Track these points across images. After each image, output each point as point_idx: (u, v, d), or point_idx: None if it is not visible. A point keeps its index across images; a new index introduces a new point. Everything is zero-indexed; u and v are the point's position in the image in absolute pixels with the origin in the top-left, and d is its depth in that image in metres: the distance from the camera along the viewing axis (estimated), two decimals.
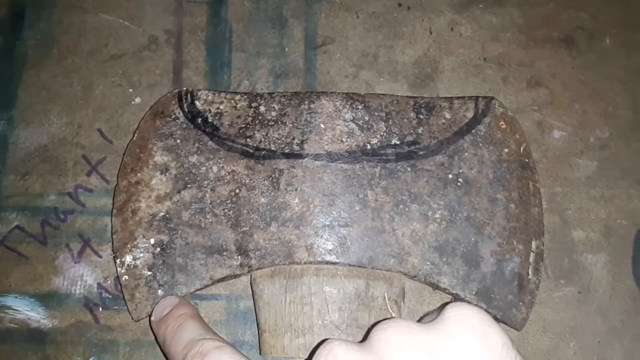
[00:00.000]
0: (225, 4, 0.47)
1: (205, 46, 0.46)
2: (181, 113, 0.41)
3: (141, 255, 0.39)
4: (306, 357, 0.37)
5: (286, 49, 0.46)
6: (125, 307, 0.39)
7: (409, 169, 0.40)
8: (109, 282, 0.42)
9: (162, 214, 0.40)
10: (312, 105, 0.41)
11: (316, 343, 0.37)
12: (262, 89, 0.45)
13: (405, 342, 0.24)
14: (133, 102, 0.45)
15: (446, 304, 0.27)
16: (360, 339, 0.37)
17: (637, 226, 0.43)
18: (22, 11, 0.46)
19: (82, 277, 0.42)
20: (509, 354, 0.24)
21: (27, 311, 0.41)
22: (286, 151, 0.40)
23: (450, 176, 0.40)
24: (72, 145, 0.44)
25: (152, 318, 0.37)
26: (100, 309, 0.41)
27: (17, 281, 0.41)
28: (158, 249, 0.39)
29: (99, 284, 0.42)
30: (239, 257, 0.39)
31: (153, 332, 0.37)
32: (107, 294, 0.41)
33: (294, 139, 0.41)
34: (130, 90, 0.45)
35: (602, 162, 0.44)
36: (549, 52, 0.46)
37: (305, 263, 0.39)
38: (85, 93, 0.45)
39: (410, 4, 0.47)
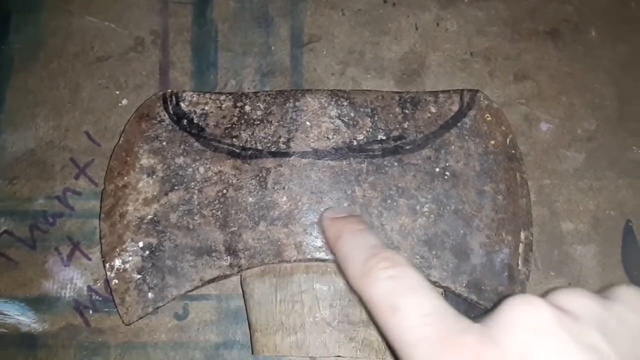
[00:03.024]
0: (211, 4, 0.47)
1: (191, 46, 0.46)
2: (166, 115, 0.41)
3: (130, 258, 0.39)
4: (299, 354, 0.37)
5: (272, 48, 0.46)
6: (116, 309, 0.39)
7: (395, 164, 0.40)
8: (98, 284, 0.42)
9: (150, 216, 0.40)
10: (297, 103, 0.41)
11: (308, 341, 0.37)
12: (248, 88, 0.45)
13: (596, 309, 0.23)
14: (120, 104, 0.45)
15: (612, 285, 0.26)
16: (352, 335, 0.37)
17: (625, 216, 0.43)
18: (7, 15, 0.46)
19: (72, 280, 0.42)
20: None
21: (18, 315, 0.41)
22: (273, 150, 0.40)
23: (437, 170, 0.40)
24: (60, 149, 0.44)
25: (328, 214, 0.36)
26: (91, 311, 0.41)
27: (6, 286, 0.41)
28: (147, 252, 0.39)
29: (89, 286, 0.42)
30: (229, 257, 0.39)
31: (322, 224, 0.36)
32: (97, 297, 0.41)
33: (280, 137, 0.41)
34: (117, 92, 0.45)
35: (590, 154, 0.44)
36: (534, 45, 0.46)
37: (294, 261, 0.39)
38: (72, 96, 0.45)
39: (395, 0, 0.47)
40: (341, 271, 0.31)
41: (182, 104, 0.42)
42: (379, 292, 0.26)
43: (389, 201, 0.40)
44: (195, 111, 0.42)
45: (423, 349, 0.23)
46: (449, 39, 0.47)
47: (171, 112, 0.42)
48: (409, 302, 0.25)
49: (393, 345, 0.24)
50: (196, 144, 0.41)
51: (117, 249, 0.39)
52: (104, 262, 0.39)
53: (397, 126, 0.41)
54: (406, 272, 0.27)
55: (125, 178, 0.40)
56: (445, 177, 0.40)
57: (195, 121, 0.41)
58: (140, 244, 0.39)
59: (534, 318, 0.21)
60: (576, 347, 0.20)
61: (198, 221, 0.39)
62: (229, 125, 0.41)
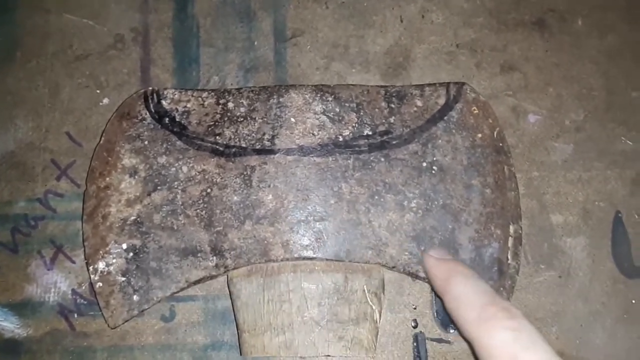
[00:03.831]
0: None
1: (172, 43, 0.45)
2: (148, 114, 0.41)
3: (114, 261, 0.38)
4: (287, 355, 0.37)
5: (255, 43, 0.45)
6: (101, 312, 0.39)
7: (382, 159, 0.40)
8: (83, 287, 0.41)
9: (133, 217, 0.39)
10: (281, 99, 0.41)
11: (296, 340, 0.37)
12: (232, 84, 0.44)
13: None
14: (101, 103, 0.44)
15: None
16: (341, 334, 0.37)
17: (615, 207, 0.43)
18: None
19: (55, 283, 0.41)
20: None
21: (1, 321, 0.40)
22: (257, 147, 0.39)
23: (425, 164, 0.40)
24: (40, 150, 0.43)
25: (433, 253, 0.37)
26: (76, 315, 0.41)
27: None
28: (131, 254, 0.38)
29: (73, 290, 0.41)
30: (214, 257, 0.38)
31: (427, 263, 0.37)
32: (82, 300, 0.41)
33: (264, 134, 0.40)
34: (98, 91, 0.44)
35: (578, 145, 0.44)
36: (521, 36, 0.46)
37: (282, 260, 0.38)
38: (51, 96, 0.44)
39: None
40: (451, 312, 0.32)
41: (163, 102, 0.41)
42: (499, 341, 0.28)
43: (376, 197, 0.39)
44: (177, 109, 0.41)
45: None
46: (435, 31, 0.46)
47: (152, 110, 0.41)
48: (531, 356, 0.26)
49: None
50: (179, 142, 0.40)
51: (101, 252, 0.39)
52: (87, 264, 0.39)
53: (383, 121, 0.41)
54: (526, 325, 0.29)
55: (107, 179, 0.39)
56: (433, 171, 0.40)
57: (177, 119, 0.40)
58: (124, 246, 0.39)
59: None
60: None
61: (182, 221, 0.39)
62: (212, 123, 0.40)
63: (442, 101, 0.41)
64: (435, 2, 0.46)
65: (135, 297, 0.38)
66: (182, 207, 0.39)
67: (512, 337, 0.28)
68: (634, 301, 0.42)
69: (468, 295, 0.32)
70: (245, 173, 0.39)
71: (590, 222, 0.43)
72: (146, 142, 0.40)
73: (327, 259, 0.38)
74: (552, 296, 0.42)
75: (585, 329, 0.41)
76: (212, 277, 0.39)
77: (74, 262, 0.41)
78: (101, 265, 0.38)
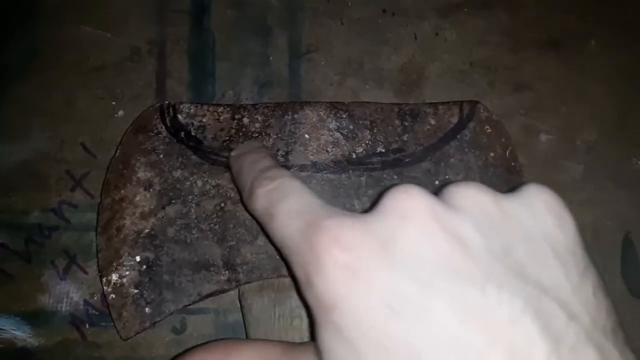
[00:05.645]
0: (208, 13, 0.46)
1: (188, 56, 0.46)
2: (163, 127, 0.41)
3: (127, 273, 0.39)
4: None
5: (270, 58, 0.46)
6: (113, 323, 0.39)
7: (395, 177, 0.40)
8: (95, 298, 0.41)
9: (147, 230, 0.39)
10: (295, 116, 0.41)
11: None
12: (246, 98, 0.45)
13: (483, 201, 0.22)
14: (116, 115, 0.44)
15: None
16: None
17: (624, 228, 0.43)
18: (2, 24, 0.46)
19: (68, 294, 0.41)
20: (578, 242, 0.23)
21: (13, 330, 0.40)
22: None
23: (437, 182, 0.40)
24: (55, 160, 0.43)
25: (233, 153, 0.37)
26: (87, 325, 0.41)
27: (2, 300, 0.41)
28: (144, 267, 0.39)
29: (85, 300, 0.41)
30: (227, 272, 0.39)
31: (230, 166, 0.37)
32: (93, 311, 0.41)
33: (278, 150, 0.40)
34: (113, 102, 0.45)
35: (589, 165, 0.44)
36: (535, 55, 0.46)
37: None
38: (67, 106, 0.44)
39: (394, 9, 0.47)
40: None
41: (179, 116, 0.41)
42: (260, 207, 0.28)
43: None
44: (192, 123, 0.41)
45: (294, 241, 0.23)
46: (449, 49, 0.46)
47: (168, 124, 0.41)
48: (281, 206, 0.26)
49: (279, 249, 0.25)
50: (194, 156, 0.40)
51: (114, 264, 0.39)
52: (100, 276, 0.39)
53: (397, 139, 0.41)
54: (282, 182, 0.28)
55: (122, 191, 0.40)
56: None
57: (193, 133, 0.41)
58: (138, 259, 0.39)
59: (405, 205, 0.21)
60: (441, 235, 0.20)
61: (196, 235, 0.39)
62: (227, 138, 0.41)
63: (455, 120, 0.42)
64: (450, 20, 0.47)
65: (147, 310, 0.38)
66: (195, 221, 0.39)
67: (267, 199, 0.28)
68: None
69: (243, 179, 0.32)
70: None
71: (600, 242, 0.43)
72: (161, 156, 0.40)
73: None
74: None
75: None
76: (224, 291, 0.39)
77: (86, 273, 0.41)
78: (114, 277, 0.39)
